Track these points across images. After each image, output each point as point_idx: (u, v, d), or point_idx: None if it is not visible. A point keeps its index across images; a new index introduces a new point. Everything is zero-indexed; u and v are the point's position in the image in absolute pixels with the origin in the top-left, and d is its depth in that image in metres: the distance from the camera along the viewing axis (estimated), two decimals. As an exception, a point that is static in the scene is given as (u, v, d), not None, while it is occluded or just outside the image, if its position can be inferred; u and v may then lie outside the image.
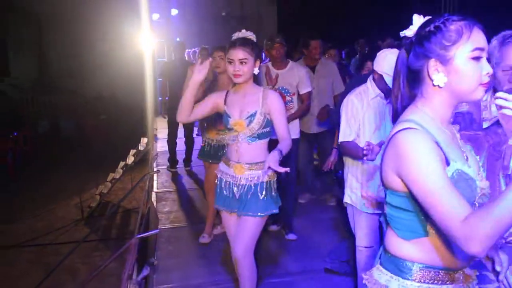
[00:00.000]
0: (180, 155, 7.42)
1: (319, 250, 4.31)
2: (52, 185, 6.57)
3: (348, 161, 3.17)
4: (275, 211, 2.92)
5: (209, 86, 4.25)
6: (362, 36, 6.88)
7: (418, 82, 1.47)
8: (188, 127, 7.17)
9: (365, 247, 3.11)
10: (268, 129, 2.88)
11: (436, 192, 1.28)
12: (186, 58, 7.54)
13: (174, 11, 15.76)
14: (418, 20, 1.46)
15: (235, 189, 2.90)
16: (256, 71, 2.87)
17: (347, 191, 3.18)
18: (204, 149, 4.50)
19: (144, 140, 6.27)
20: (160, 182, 6.70)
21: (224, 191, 2.95)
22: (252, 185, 2.87)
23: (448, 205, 1.26)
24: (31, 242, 4.79)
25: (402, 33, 1.50)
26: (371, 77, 3.02)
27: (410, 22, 1.46)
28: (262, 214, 2.87)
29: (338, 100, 4.51)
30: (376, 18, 12.52)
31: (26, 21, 13.64)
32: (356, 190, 3.11)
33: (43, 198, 6.12)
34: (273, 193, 2.93)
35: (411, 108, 1.47)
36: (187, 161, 7.27)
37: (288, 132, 2.89)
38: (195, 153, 7.22)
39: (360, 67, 4.52)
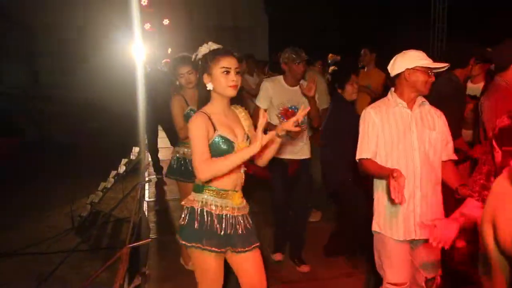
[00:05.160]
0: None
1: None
2: (42, 194, 6.52)
3: (378, 181, 2.80)
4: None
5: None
6: (356, 46, 6.86)
7: None
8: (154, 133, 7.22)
9: (396, 283, 2.71)
10: None
11: None
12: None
13: (166, 21, 15.83)
14: None
15: (233, 223, 2.49)
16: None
17: (375, 217, 2.84)
18: (172, 165, 3.99)
19: (136, 150, 6.26)
20: (151, 191, 6.69)
21: (223, 232, 2.46)
22: (245, 214, 2.60)
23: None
24: (21, 251, 4.74)
25: None
26: (392, 89, 2.77)
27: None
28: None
29: (323, 115, 4.38)
30: (369, 27, 12.58)
31: (18, 31, 13.62)
32: (385, 215, 2.75)
33: (33, 207, 6.06)
34: None
35: None
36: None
37: None
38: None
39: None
